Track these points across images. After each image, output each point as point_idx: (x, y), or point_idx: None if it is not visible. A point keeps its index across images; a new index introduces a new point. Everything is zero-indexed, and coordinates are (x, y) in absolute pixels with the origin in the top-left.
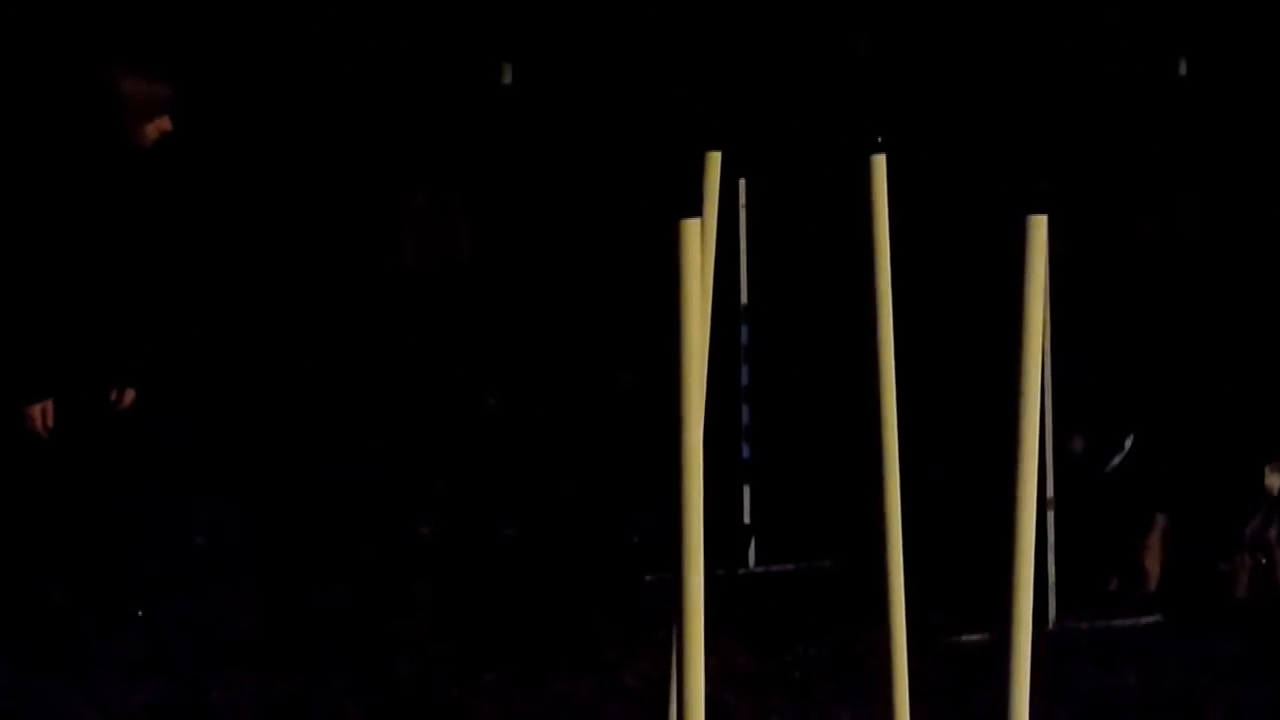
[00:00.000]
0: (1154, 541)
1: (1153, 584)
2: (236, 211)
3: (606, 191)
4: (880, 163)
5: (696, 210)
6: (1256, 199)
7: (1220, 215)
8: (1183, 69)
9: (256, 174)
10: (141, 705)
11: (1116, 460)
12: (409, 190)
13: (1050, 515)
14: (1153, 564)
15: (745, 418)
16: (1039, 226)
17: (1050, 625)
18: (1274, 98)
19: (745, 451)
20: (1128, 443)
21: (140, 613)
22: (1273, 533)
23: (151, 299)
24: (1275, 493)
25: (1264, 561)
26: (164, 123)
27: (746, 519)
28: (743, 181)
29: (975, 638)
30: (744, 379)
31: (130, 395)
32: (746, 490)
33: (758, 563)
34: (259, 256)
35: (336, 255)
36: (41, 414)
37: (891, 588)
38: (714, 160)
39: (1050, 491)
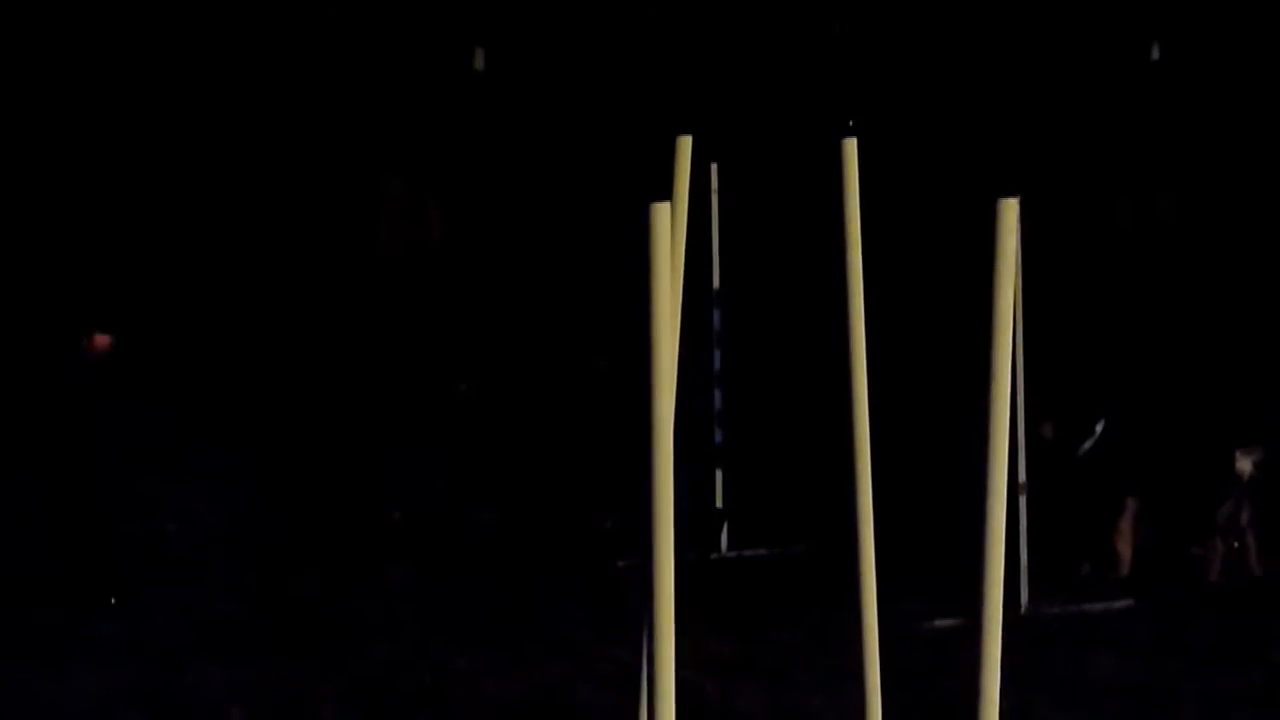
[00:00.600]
0: (1126, 526)
1: (1125, 568)
2: (214, 198)
3: (579, 176)
4: (852, 146)
5: (666, 194)
6: (1230, 183)
7: (1194, 199)
8: (1155, 53)
9: (231, 160)
10: (117, 690)
11: (1088, 445)
12: (382, 176)
13: (1022, 500)
14: (1125, 548)
15: (717, 402)
16: (1010, 210)
17: (1023, 610)
18: (1247, 81)
19: (718, 436)
20: (1099, 427)
21: (114, 600)
22: (1244, 517)
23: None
24: (1246, 477)
25: (1236, 545)
26: None
27: (719, 504)
28: (715, 166)
29: (947, 622)
30: (716, 364)
31: (103, 340)
32: (719, 475)
33: (730, 548)
34: (234, 243)
35: (310, 241)
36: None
37: (863, 573)
38: (685, 144)
39: (1022, 476)
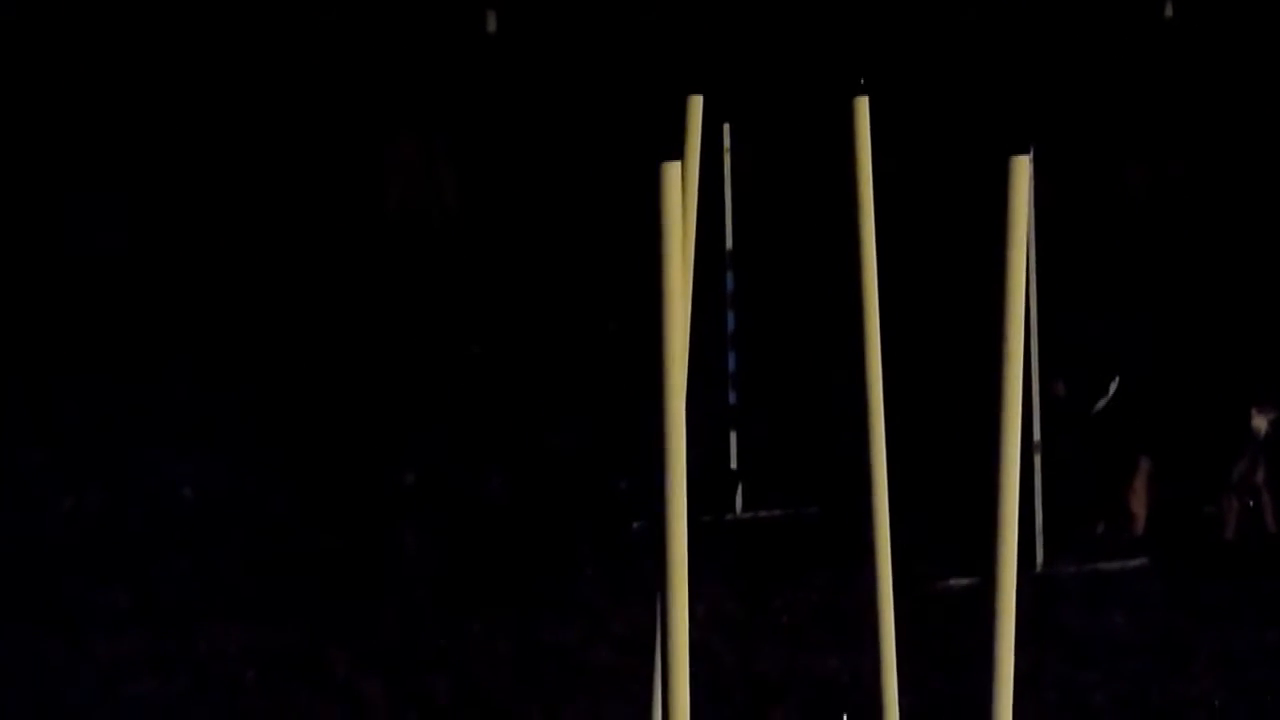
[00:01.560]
0: (1140, 485)
1: (1139, 527)
2: (226, 162)
3: (591, 137)
4: (864, 105)
5: (677, 154)
6: (1245, 140)
7: (1209, 156)
8: (1169, 11)
9: (243, 123)
10: (129, 655)
11: (1102, 403)
12: (394, 137)
13: (1037, 459)
14: (1139, 507)
15: (731, 364)
16: (1022, 168)
17: (1038, 569)
18: (1260, 37)
19: (732, 398)
20: (1113, 386)
21: None
22: (1259, 475)
23: None
24: (1261, 435)
25: (1250, 504)
26: None
27: (733, 465)
28: (727, 126)
29: (962, 582)
30: (730, 325)
31: None
32: (733, 436)
33: (745, 509)
34: (246, 206)
35: (323, 203)
36: None
37: (878, 533)
38: (696, 104)
39: (1037, 435)
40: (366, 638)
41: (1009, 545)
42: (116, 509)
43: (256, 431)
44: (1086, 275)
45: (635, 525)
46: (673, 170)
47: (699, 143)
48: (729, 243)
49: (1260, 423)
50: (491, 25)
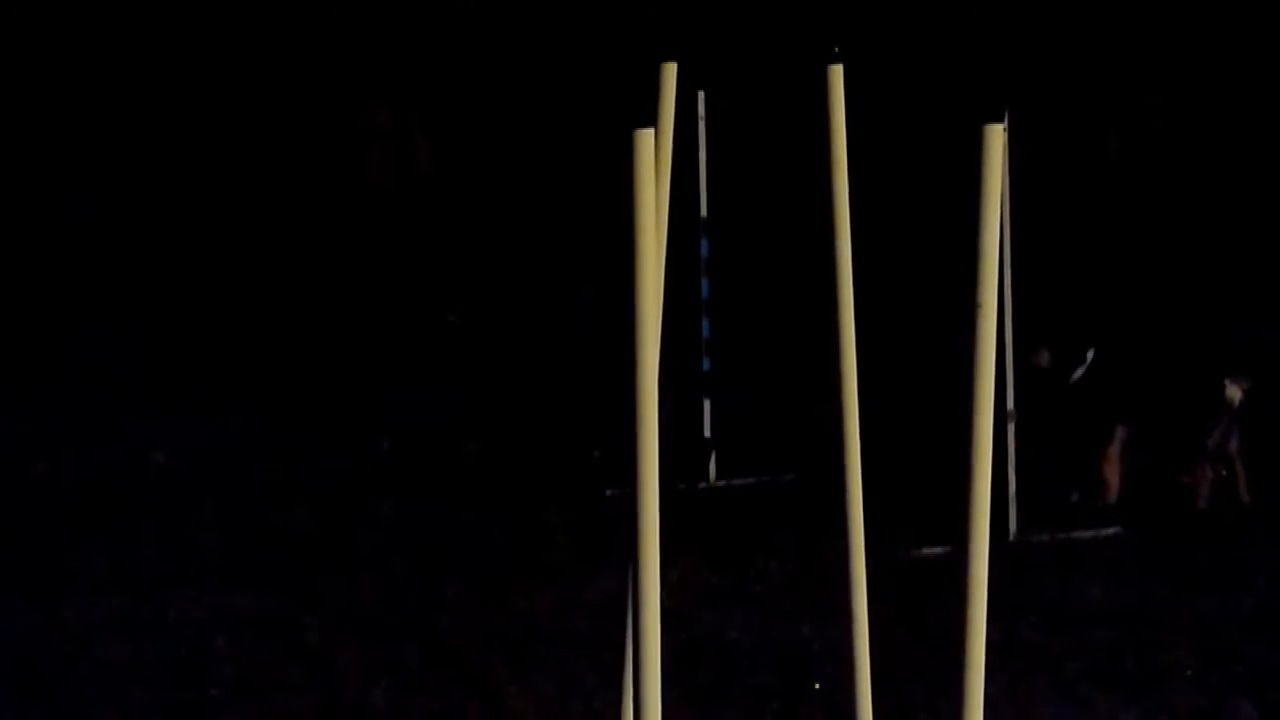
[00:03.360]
0: (1115, 453)
1: (1114, 496)
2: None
3: (565, 103)
4: (838, 73)
5: (650, 121)
6: (1219, 109)
7: (1185, 126)
8: None
9: (215, 89)
10: (101, 621)
11: (1079, 372)
12: (369, 105)
13: (1011, 427)
14: (1113, 476)
15: (705, 331)
16: (996, 136)
17: (1011, 538)
18: (1239, 6)
19: (705, 364)
20: (1089, 355)
21: None
22: (1233, 444)
23: None
24: (1236, 405)
25: (1225, 473)
26: None
27: (707, 433)
28: (701, 93)
29: (935, 550)
30: (704, 292)
31: None
32: (707, 404)
33: (718, 477)
34: (220, 173)
35: (297, 169)
36: None
37: (851, 501)
38: (670, 71)
39: (1011, 404)
40: (338, 604)
41: (982, 513)
42: (87, 474)
43: (230, 397)
44: (1062, 243)
45: (609, 493)
46: (646, 137)
47: (673, 110)
48: (703, 210)
49: (1234, 392)
50: None
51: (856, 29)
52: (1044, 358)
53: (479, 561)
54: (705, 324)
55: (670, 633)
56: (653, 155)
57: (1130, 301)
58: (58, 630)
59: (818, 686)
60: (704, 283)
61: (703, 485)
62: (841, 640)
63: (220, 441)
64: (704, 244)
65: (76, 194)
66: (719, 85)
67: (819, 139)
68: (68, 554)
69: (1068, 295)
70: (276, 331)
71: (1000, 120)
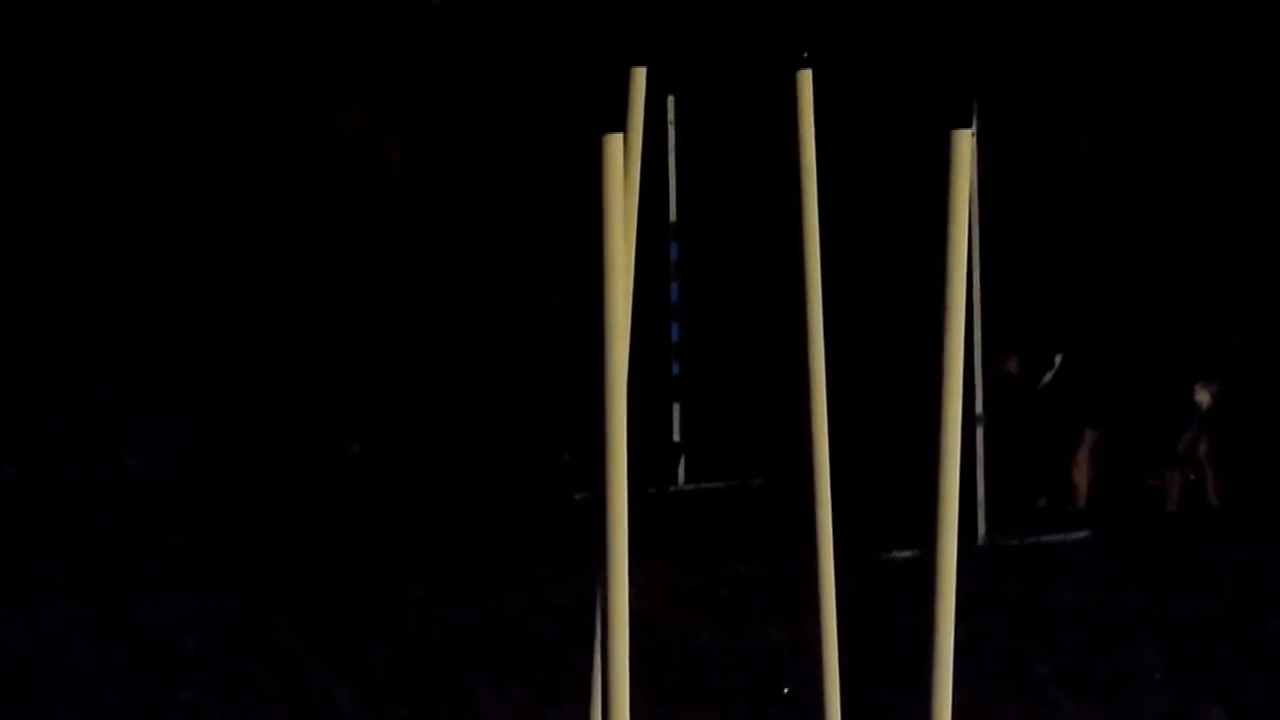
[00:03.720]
0: (1083, 458)
1: (1082, 500)
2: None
3: (533, 108)
4: (807, 77)
5: (620, 126)
6: (1190, 115)
7: (1156, 131)
8: None
9: (188, 90)
10: (69, 623)
11: (1047, 376)
12: (341, 108)
13: (980, 431)
14: (1082, 480)
15: (674, 335)
16: (964, 141)
17: (980, 541)
18: (1206, 10)
19: (675, 368)
20: (1058, 359)
21: None
22: (1202, 448)
23: None
24: (1204, 409)
25: (1193, 477)
26: None
27: (676, 437)
28: (671, 98)
29: (904, 554)
30: (673, 296)
31: None
32: (676, 408)
33: (687, 480)
34: (191, 177)
35: (269, 172)
36: None
37: (819, 504)
38: (640, 76)
39: (980, 408)
40: (309, 607)
41: (950, 517)
42: (57, 476)
43: (199, 399)
44: (1030, 247)
45: (578, 497)
46: (615, 142)
47: (642, 115)
48: (672, 214)
49: (1203, 396)
50: None
51: (826, 33)
52: (1012, 362)
53: (448, 564)
54: (674, 328)
55: (639, 636)
56: (622, 160)
57: (1099, 306)
58: (28, 634)
59: (786, 690)
60: (673, 287)
61: (672, 489)
62: (810, 643)
63: (191, 444)
64: (673, 248)
65: (46, 198)
66: (688, 89)
67: (788, 143)
68: (37, 558)
69: (1036, 299)
70: (247, 334)
71: (968, 125)
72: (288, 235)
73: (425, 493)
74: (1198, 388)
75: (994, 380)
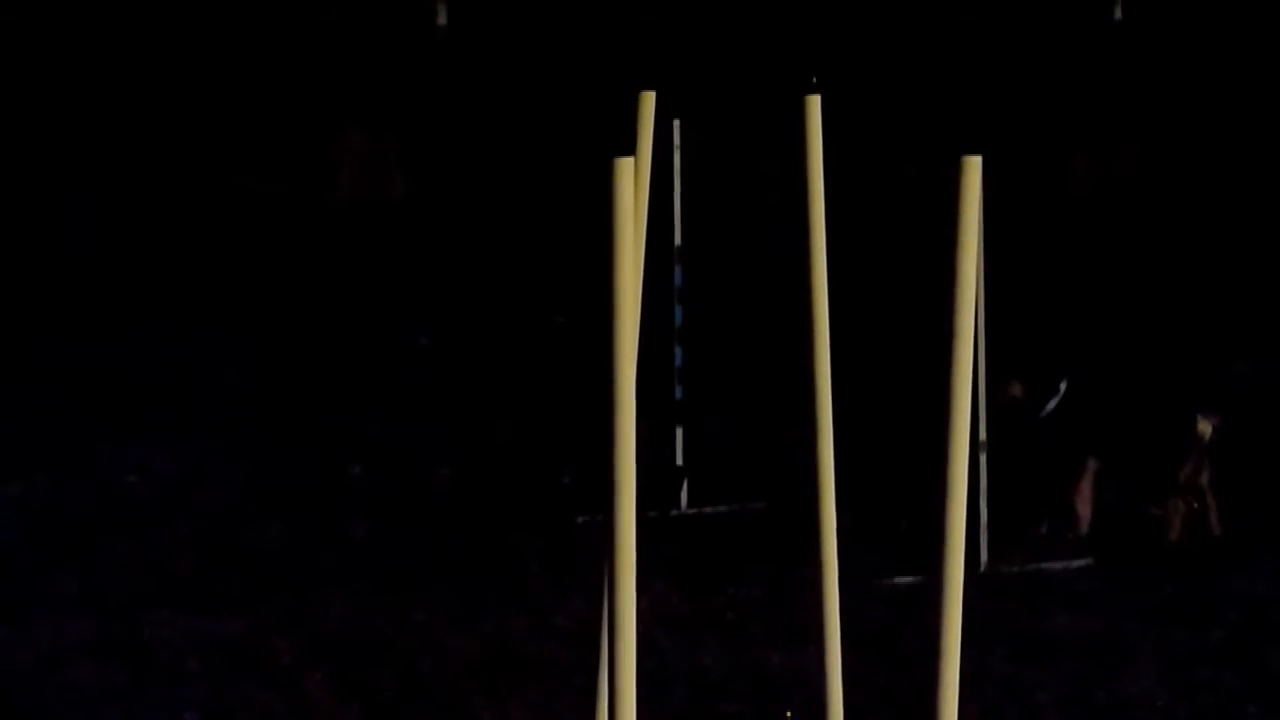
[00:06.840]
0: (1086, 486)
1: (1084, 528)
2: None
3: (541, 131)
4: (815, 103)
5: (629, 149)
6: (1191, 144)
7: (1156, 161)
8: (1118, 13)
9: (193, 110)
10: (72, 642)
11: (1051, 404)
12: (344, 128)
13: (983, 458)
14: (1084, 508)
15: (678, 359)
16: (973, 168)
17: (982, 568)
18: (1208, 43)
19: (678, 393)
20: (1062, 387)
21: None
22: (1204, 478)
23: None
24: (1206, 439)
25: (1195, 506)
26: None
27: (679, 460)
28: (677, 122)
29: (907, 580)
30: (678, 320)
31: None
32: (679, 432)
33: (690, 504)
34: (194, 196)
35: (272, 192)
36: None
37: (824, 530)
38: (648, 100)
39: (983, 435)
40: (311, 628)
41: (955, 544)
42: (61, 496)
43: (201, 419)
44: (1035, 275)
45: (580, 520)
46: (625, 165)
47: (650, 138)
48: (678, 238)
49: (1205, 426)
50: (442, 18)
51: (834, 60)
52: (1016, 389)
53: (450, 587)
54: (679, 352)
55: (642, 659)
56: (631, 183)
57: (1103, 334)
58: (30, 652)
59: (790, 715)
60: (678, 310)
61: (674, 513)
62: (813, 668)
63: (193, 464)
64: (678, 272)
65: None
66: (695, 114)
67: (796, 168)
68: (40, 576)
69: (1041, 327)
70: (250, 356)
71: (978, 152)
72: (292, 257)
73: (427, 515)
74: (1200, 417)
75: (997, 407)
